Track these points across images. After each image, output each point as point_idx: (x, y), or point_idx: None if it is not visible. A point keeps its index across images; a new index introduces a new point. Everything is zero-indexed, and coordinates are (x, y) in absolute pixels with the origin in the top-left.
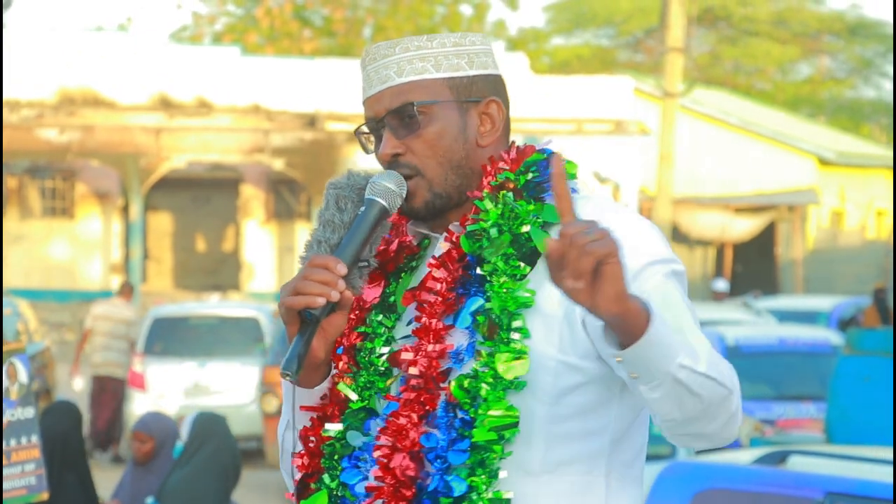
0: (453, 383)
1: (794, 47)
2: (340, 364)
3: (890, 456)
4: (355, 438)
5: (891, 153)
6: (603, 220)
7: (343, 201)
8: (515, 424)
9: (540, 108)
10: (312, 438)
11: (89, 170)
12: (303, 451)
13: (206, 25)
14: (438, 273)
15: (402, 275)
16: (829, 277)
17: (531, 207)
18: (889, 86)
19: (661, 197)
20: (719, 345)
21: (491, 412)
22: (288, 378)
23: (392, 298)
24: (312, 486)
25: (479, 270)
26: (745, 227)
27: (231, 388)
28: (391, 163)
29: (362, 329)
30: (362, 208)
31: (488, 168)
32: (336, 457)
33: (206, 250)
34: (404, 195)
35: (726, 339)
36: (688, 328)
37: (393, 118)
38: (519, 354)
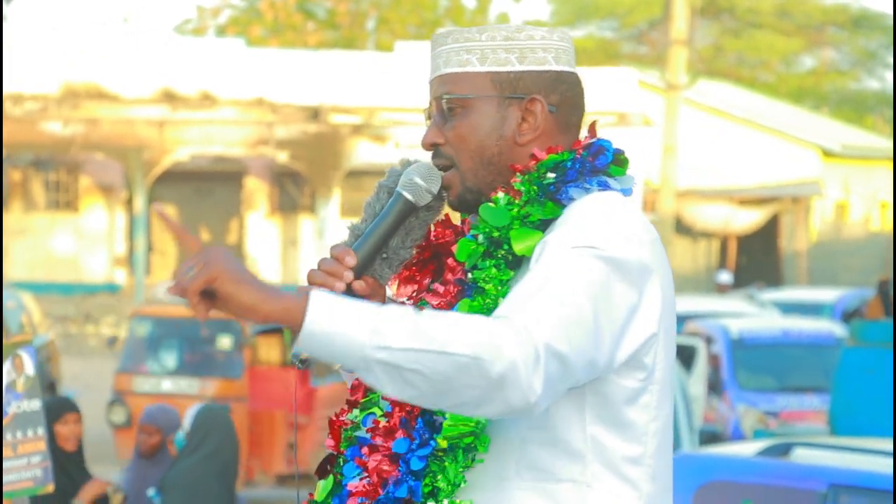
0: None
1: (798, 39)
2: None
3: (892, 447)
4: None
5: (893, 145)
6: (574, 211)
7: (382, 190)
8: (472, 434)
9: None
10: (338, 421)
11: (93, 163)
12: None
13: (210, 18)
14: (441, 285)
15: None
16: (833, 269)
17: (524, 211)
18: (892, 77)
19: (665, 189)
20: (723, 337)
21: (450, 421)
22: (297, 366)
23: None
24: (329, 468)
25: (470, 276)
26: (748, 219)
27: None
28: (433, 152)
29: None
30: (391, 200)
31: (518, 168)
32: (347, 444)
33: (210, 243)
34: (435, 190)
35: (730, 332)
36: (538, 293)
37: (435, 108)
38: None
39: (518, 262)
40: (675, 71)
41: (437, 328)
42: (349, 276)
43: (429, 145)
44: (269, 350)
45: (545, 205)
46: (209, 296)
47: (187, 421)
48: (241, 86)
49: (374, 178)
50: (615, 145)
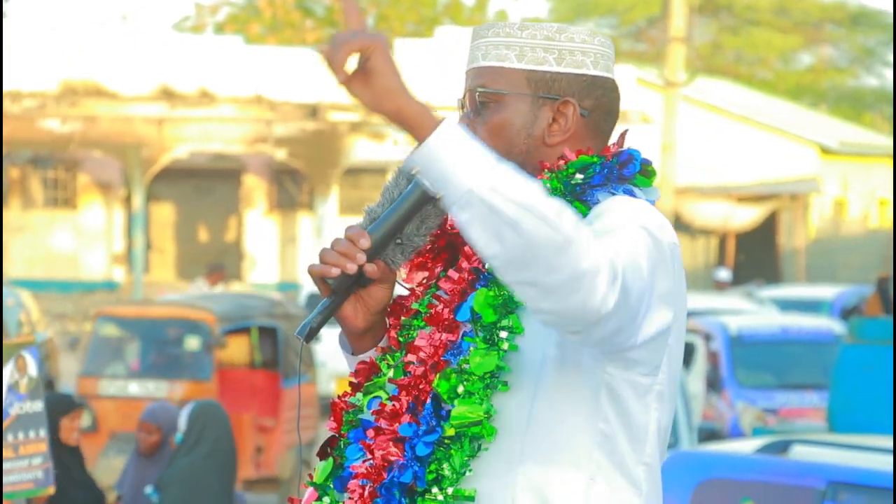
0: (437, 376)
1: (796, 36)
2: (389, 336)
3: (892, 445)
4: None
5: (892, 142)
6: (603, 207)
7: (401, 175)
8: (478, 423)
9: None
10: (340, 403)
11: (92, 160)
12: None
13: (209, 15)
14: (455, 271)
15: None
16: (832, 266)
17: None
18: (891, 75)
19: (664, 186)
20: (721, 334)
21: (459, 409)
22: (302, 339)
23: None
24: (329, 450)
25: (487, 265)
26: (747, 217)
27: None
28: None
29: (415, 305)
30: (409, 187)
31: (547, 166)
32: (349, 427)
33: (209, 241)
34: None
35: (729, 329)
36: (611, 235)
37: (468, 100)
38: (488, 350)
39: None
40: (673, 68)
41: (549, 201)
42: (362, 257)
43: None
44: (238, 351)
45: (571, 204)
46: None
47: (182, 419)
48: (240, 83)
49: (373, 176)
50: (643, 155)
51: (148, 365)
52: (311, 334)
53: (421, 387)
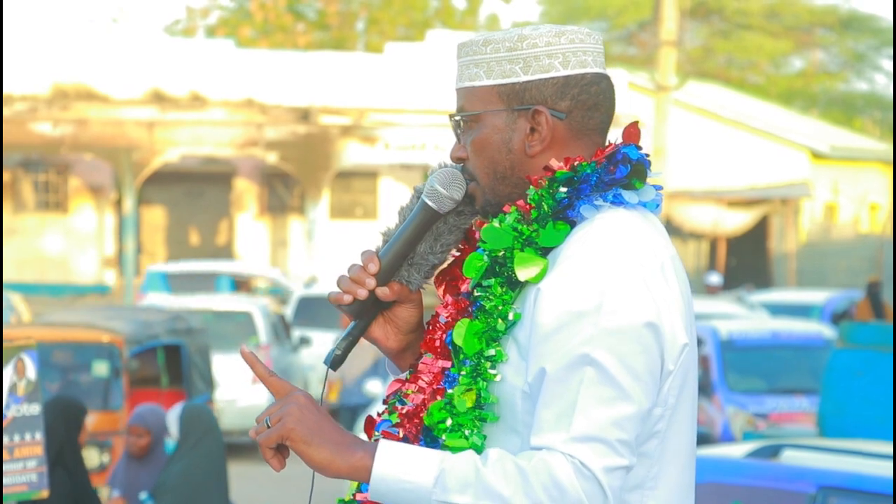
0: (429, 408)
1: (787, 41)
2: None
3: (882, 450)
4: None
5: (883, 146)
6: (573, 249)
7: (415, 194)
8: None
9: None
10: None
11: (83, 163)
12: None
13: (200, 19)
14: (451, 296)
15: None
16: (822, 271)
17: (531, 230)
18: (882, 79)
19: None
20: (712, 338)
21: (447, 442)
22: (329, 367)
23: None
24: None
25: (475, 293)
26: (738, 221)
27: (224, 382)
28: (462, 166)
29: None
30: (416, 206)
31: (534, 180)
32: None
33: (200, 244)
34: (458, 196)
35: (720, 333)
36: (576, 406)
37: (454, 122)
38: (471, 384)
39: (521, 282)
40: (664, 72)
41: (499, 482)
42: (371, 283)
43: (455, 160)
44: (145, 373)
45: (553, 227)
46: (284, 448)
47: (172, 423)
48: (231, 87)
49: (364, 180)
50: (643, 150)
51: (49, 394)
52: (337, 361)
53: (421, 415)
